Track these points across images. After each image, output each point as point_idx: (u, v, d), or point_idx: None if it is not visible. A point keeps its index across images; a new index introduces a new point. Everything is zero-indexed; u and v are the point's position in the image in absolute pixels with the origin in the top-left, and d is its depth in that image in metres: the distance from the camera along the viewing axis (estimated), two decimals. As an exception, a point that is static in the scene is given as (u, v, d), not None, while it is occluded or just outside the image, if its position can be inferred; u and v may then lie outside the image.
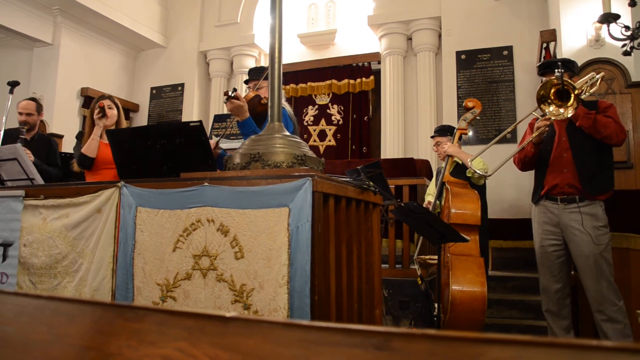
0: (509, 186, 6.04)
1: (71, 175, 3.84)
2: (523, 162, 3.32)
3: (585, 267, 2.99)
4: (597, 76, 3.09)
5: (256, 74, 3.25)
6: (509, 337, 0.43)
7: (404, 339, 0.46)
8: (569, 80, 2.84)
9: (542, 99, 2.89)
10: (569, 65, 3.15)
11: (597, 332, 3.08)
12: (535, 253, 3.30)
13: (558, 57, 5.07)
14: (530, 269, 5.49)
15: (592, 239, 2.96)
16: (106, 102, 3.33)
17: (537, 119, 3.20)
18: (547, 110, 2.88)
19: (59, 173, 4.03)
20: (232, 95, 2.64)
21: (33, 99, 4.18)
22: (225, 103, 2.70)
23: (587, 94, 3.06)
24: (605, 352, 0.40)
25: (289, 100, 7.94)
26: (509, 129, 3.60)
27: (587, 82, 3.06)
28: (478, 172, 3.52)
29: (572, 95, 2.79)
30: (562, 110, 2.84)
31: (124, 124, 3.51)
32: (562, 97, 2.85)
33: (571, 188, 3.05)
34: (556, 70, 2.86)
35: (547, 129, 3.09)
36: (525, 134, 3.40)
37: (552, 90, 2.86)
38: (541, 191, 3.20)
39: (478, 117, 4.04)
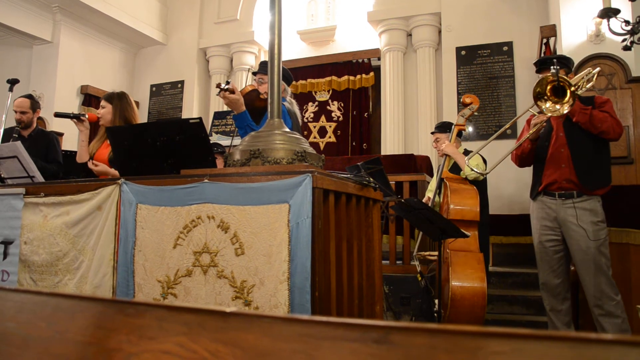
0: (509, 182, 6.04)
1: (72, 172, 3.83)
2: (520, 159, 3.34)
3: (583, 262, 3.00)
4: (594, 71, 3.09)
5: (265, 67, 3.21)
6: (508, 331, 0.43)
7: (404, 333, 0.46)
8: (565, 77, 2.85)
9: (538, 96, 2.90)
10: (564, 61, 3.15)
11: (596, 328, 3.08)
12: (535, 249, 3.31)
13: (558, 52, 5.06)
14: (531, 265, 5.49)
15: (589, 234, 2.97)
16: (101, 103, 3.23)
17: (534, 115, 3.20)
18: (543, 107, 2.89)
19: (59, 169, 4.01)
20: (225, 88, 2.62)
21: (28, 96, 4.15)
22: (218, 95, 2.69)
23: (584, 89, 3.05)
24: (603, 345, 0.40)
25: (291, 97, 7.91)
26: (507, 126, 3.60)
27: (583, 77, 3.06)
28: (475, 170, 3.51)
29: (568, 91, 2.80)
30: (558, 106, 2.85)
31: (129, 111, 3.23)
32: (559, 93, 2.86)
33: (569, 183, 3.06)
34: (552, 67, 2.87)
35: (544, 124, 3.10)
36: (523, 130, 3.42)
37: (549, 87, 2.87)
38: (539, 187, 3.22)
39: (476, 113, 4.04)
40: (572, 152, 3.06)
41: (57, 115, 3.18)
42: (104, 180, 2.25)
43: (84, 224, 2.17)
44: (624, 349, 0.39)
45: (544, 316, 4.42)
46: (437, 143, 4.28)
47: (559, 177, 3.09)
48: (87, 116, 3.17)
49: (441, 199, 3.80)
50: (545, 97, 2.88)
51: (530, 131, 3.14)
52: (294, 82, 7.94)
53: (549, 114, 2.91)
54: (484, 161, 3.92)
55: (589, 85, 3.06)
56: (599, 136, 2.99)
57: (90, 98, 7.65)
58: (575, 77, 3.09)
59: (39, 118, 4.21)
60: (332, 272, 1.82)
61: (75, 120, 3.12)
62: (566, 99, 2.81)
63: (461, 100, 4.06)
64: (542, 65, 3.21)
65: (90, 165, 2.96)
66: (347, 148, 7.75)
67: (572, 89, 2.79)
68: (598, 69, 3.18)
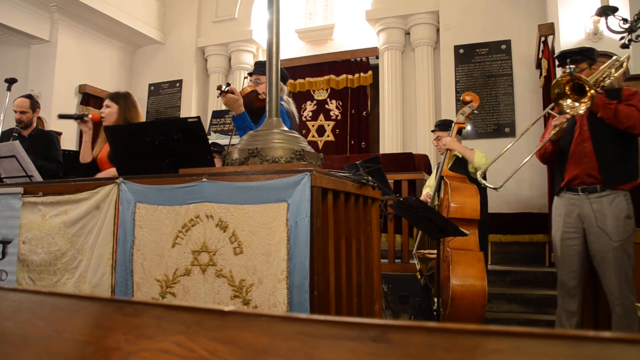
0: (508, 180, 6.03)
1: (72, 172, 3.82)
2: (543, 158, 3.26)
3: (604, 259, 2.90)
4: (623, 57, 2.95)
5: (260, 67, 3.21)
6: (507, 329, 0.43)
7: (402, 331, 0.46)
8: (581, 76, 2.76)
9: (559, 96, 2.81)
10: (586, 53, 3.03)
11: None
12: (554, 246, 3.19)
13: (556, 51, 5.06)
14: (530, 263, 5.51)
15: (612, 229, 2.87)
16: (105, 103, 3.18)
17: (555, 116, 3.11)
18: (564, 104, 2.80)
19: (59, 168, 4.00)
20: (226, 89, 2.63)
21: (28, 96, 4.15)
22: (218, 97, 2.70)
23: (612, 77, 2.93)
24: (601, 343, 0.40)
25: (288, 95, 7.92)
26: (529, 127, 3.42)
27: (609, 67, 2.93)
28: (482, 181, 3.41)
29: (587, 90, 2.70)
30: (577, 104, 2.77)
31: (132, 112, 3.17)
32: (577, 90, 2.77)
33: (591, 178, 2.96)
34: (567, 67, 2.79)
35: (564, 125, 3.01)
36: (547, 126, 3.30)
37: (567, 87, 2.78)
38: (561, 183, 3.11)
39: (476, 111, 4.02)
40: (595, 146, 2.95)
41: (61, 117, 3.16)
42: (103, 180, 2.25)
43: (83, 223, 2.17)
44: (622, 347, 0.40)
45: (543, 314, 4.44)
46: (438, 141, 4.27)
47: (581, 171, 2.98)
48: (90, 116, 3.15)
49: (441, 196, 3.80)
50: (566, 96, 2.80)
51: (551, 132, 3.04)
52: (292, 81, 7.95)
53: (569, 111, 2.81)
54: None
55: (618, 73, 2.94)
56: (625, 131, 2.88)
57: (88, 97, 7.64)
58: (600, 68, 2.97)
59: (38, 118, 4.19)
60: (331, 271, 1.82)
61: (79, 120, 3.10)
62: (584, 98, 2.73)
63: (461, 98, 4.04)
64: (562, 59, 3.07)
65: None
66: (345, 147, 7.75)
67: (592, 91, 2.69)
68: (628, 54, 3.01)
